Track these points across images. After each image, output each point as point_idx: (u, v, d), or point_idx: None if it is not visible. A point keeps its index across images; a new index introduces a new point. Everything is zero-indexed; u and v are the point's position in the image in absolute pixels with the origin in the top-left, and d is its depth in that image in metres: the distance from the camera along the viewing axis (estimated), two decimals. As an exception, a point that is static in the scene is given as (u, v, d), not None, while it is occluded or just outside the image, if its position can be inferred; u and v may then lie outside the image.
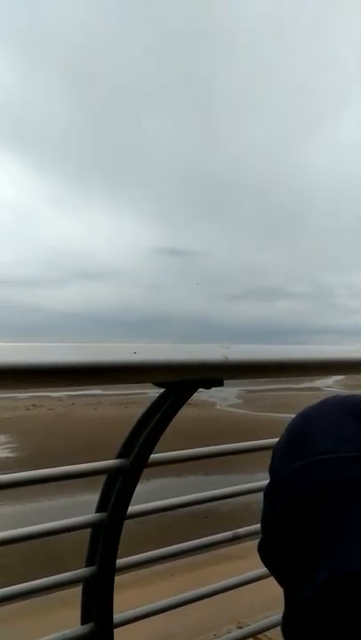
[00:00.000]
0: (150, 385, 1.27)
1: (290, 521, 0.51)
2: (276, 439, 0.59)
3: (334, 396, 0.60)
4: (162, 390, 1.40)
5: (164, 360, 1.12)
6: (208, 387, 1.29)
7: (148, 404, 1.49)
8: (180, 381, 1.32)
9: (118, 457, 1.54)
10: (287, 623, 0.50)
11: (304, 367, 1.42)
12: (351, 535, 0.46)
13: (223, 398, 33.59)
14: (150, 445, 1.49)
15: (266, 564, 0.57)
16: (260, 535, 0.57)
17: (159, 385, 1.33)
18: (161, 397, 1.43)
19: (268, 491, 0.56)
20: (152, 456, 1.55)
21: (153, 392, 1.40)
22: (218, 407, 31.24)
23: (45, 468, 1.59)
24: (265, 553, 0.56)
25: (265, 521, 0.56)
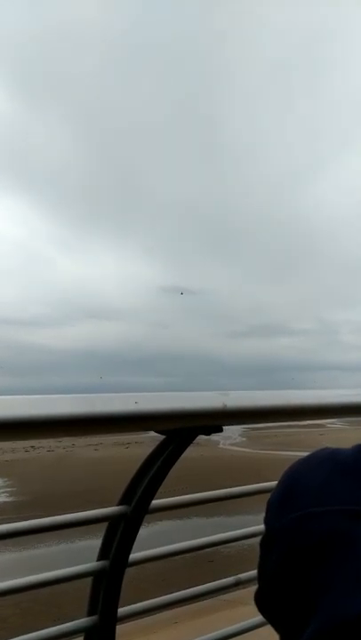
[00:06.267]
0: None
1: (284, 572, 0.53)
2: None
3: (324, 449, 0.62)
4: (163, 437, 1.43)
5: (164, 409, 1.16)
6: (208, 433, 1.33)
7: (149, 444, 1.52)
8: (181, 429, 1.35)
9: (120, 504, 1.55)
10: None
11: (301, 412, 1.45)
12: (341, 587, 0.48)
13: (226, 437, 33.19)
14: (152, 492, 1.51)
15: (262, 613, 0.59)
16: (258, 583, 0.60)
17: (160, 432, 1.36)
18: (162, 444, 1.45)
19: (264, 542, 0.58)
20: (154, 502, 1.56)
21: (154, 433, 1.43)
22: (221, 446, 30.85)
23: (46, 512, 1.59)
24: (262, 602, 0.58)
25: (261, 571, 0.58)
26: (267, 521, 0.58)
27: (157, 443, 1.49)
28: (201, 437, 1.40)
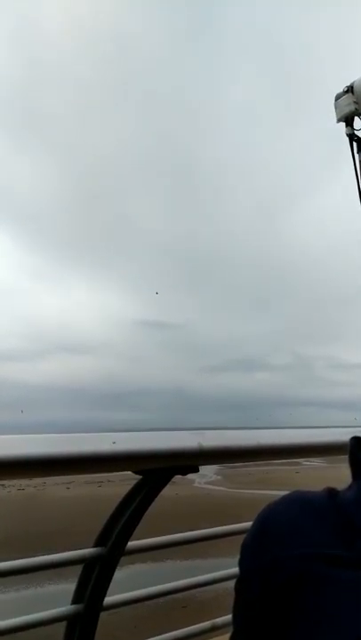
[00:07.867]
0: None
1: (258, 615, 0.54)
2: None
3: (296, 492, 0.64)
4: (139, 477, 1.43)
5: (141, 449, 1.18)
6: (184, 473, 1.34)
7: (121, 483, 1.51)
8: (157, 469, 1.37)
9: (96, 545, 1.53)
10: None
11: (276, 452, 1.49)
12: (315, 629, 0.49)
13: (202, 475, 32.61)
14: (128, 533, 1.50)
15: None
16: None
17: (137, 473, 1.37)
18: (138, 485, 1.46)
19: (238, 584, 0.59)
20: (130, 543, 1.55)
21: (128, 472, 1.43)
22: (196, 485, 30.31)
23: (16, 554, 1.56)
24: None
25: (236, 614, 0.60)
26: (241, 563, 0.60)
27: (131, 481, 1.49)
28: (176, 476, 1.41)
